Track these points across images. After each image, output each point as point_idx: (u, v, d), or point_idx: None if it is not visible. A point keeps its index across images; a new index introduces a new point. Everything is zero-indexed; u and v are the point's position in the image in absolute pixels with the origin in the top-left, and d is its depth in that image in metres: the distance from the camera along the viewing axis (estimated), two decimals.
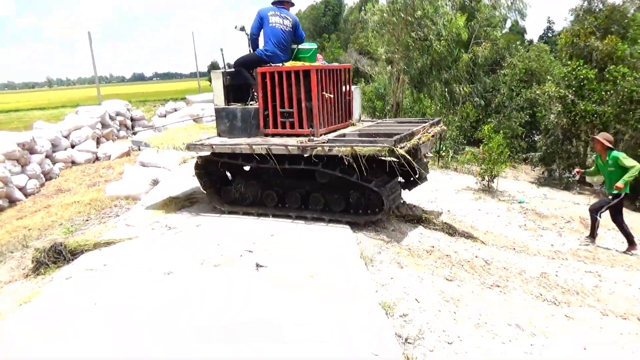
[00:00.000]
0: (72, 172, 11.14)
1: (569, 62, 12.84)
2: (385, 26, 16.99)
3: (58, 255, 4.51)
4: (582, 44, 13.47)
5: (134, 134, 14.91)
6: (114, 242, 4.89)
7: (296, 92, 5.35)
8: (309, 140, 5.12)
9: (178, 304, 3.43)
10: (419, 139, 5.31)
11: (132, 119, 15.79)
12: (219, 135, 5.89)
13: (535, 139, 15.28)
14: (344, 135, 5.47)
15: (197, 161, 5.95)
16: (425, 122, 6.16)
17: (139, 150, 9.07)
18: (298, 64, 5.60)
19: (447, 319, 3.37)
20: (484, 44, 19.73)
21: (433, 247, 5.18)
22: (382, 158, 5.01)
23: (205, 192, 6.11)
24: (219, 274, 3.95)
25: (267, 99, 5.48)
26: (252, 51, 5.95)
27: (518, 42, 22.38)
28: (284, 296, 3.50)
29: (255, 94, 5.99)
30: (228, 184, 6.22)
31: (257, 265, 4.08)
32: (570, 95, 12.15)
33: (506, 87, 18.49)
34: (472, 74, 19.65)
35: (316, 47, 6.25)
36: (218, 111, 5.89)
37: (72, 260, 4.47)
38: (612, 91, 11.93)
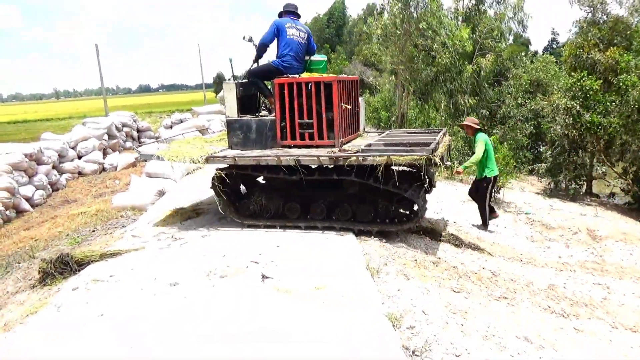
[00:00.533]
0: (79, 182, 11.21)
1: (574, 74, 12.83)
2: (389, 38, 17.08)
3: (64, 266, 4.51)
4: (585, 56, 13.47)
5: (139, 146, 15.01)
6: (120, 252, 4.90)
7: (315, 103, 5.36)
8: (340, 151, 5.14)
9: (184, 315, 3.42)
10: (442, 148, 5.39)
11: (138, 130, 15.90)
12: (231, 147, 5.81)
13: (541, 150, 15.21)
14: (369, 145, 5.45)
15: (215, 174, 5.71)
16: (437, 132, 6.19)
17: (145, 162, 8.99)
18: (316, 75, 5.63)
19: (455, 331, 3.35)
20: (488, 55, 19.78)
21: (439, 258, 5.16)
22: (412, 168, 5.08)
23: (222, 205, 5.88)
24: (225, 285, 3.95)
25: (284, 110, 5.47)
26: (257, 61, 5.95)
27: (522, 54, 22.42)
28: (289, 308, 3.48)
29: (268, 105, 6.00)
30: (242, 197, 6.14)
31: (263, 276, 4.07)
32: (576, 107, 12.13)
33: (511, 98, 18.49)
34: (476, 85, 19.68)
35: (326, 58, 6.31)
36: (231, 123, 5.79)
37: (79, 271, 4.48)
38: (618, 102, 11.90)
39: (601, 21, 14.50)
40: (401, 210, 5.66)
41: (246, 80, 6.00)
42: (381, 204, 5.50)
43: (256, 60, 5.94)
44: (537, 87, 18.28)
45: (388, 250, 4.98)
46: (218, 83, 47.24)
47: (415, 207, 5.51)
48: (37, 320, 3.52)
